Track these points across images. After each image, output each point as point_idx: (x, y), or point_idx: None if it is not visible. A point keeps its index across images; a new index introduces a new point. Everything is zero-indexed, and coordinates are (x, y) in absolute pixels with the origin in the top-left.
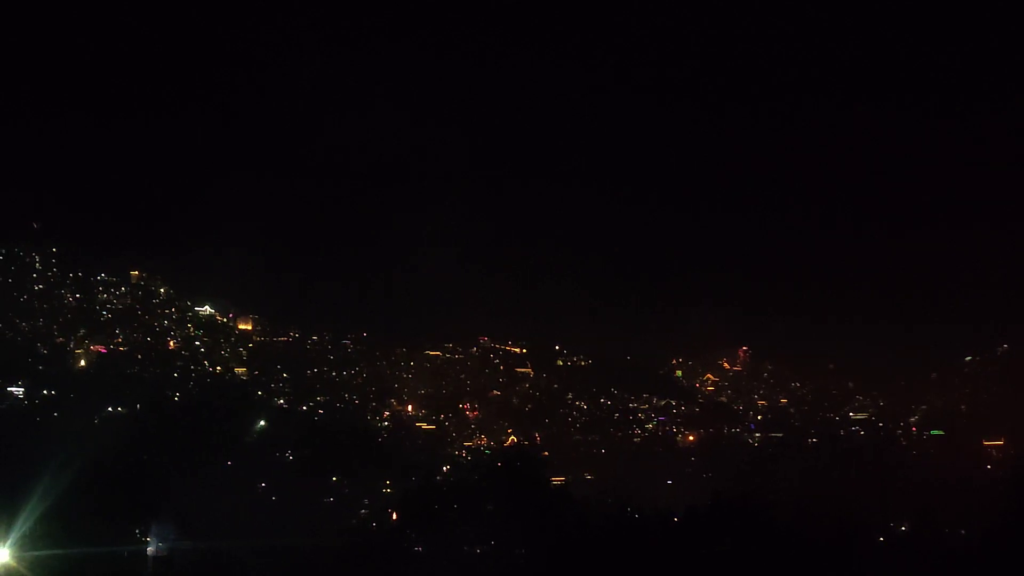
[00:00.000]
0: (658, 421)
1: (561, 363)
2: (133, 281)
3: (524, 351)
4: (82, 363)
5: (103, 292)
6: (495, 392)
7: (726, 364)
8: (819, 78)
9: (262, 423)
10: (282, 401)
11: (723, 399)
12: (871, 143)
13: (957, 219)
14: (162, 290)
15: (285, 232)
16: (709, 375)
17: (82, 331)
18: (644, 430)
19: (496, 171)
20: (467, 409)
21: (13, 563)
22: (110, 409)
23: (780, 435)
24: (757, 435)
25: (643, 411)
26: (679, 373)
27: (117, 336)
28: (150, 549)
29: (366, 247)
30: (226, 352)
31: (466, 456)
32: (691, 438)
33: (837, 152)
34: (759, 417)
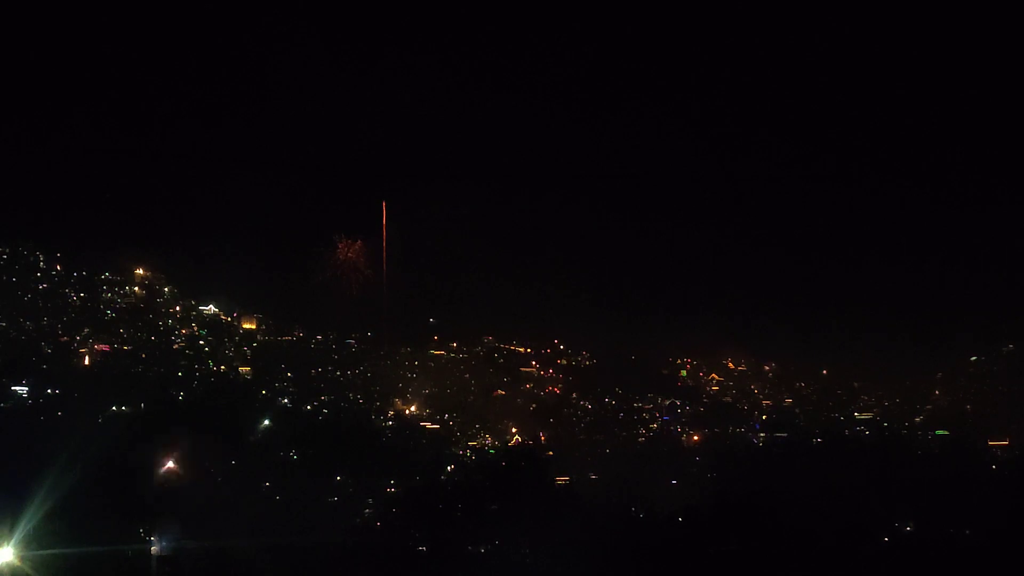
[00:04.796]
0: (662, 421)
1: (565, 362)
2: (137, 280)
3: (528, 350)
4: (86, 362)
5: (107, 291)
6: (499, 392)
7: (731, 364)
8: (820, 80)
9: (266, 422)
10: (286, 400)
11: (728, 399)
12: (873, 141)
13: (961, 217)
14: (166, 289)
15: (289, 231)
16: (714, 375)
17: (86, 330)
18: (649, 430)
19: (502, 171)
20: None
21: (17, 562)
22: (114, 408)
23: (785, 435)
24: (762, 435)
25: (647, 411)
26: (684, 373)
27: (121, 335)
28: (154, 548)
29: (371, 246)
30: (230, 351)
31: (471, 456)
32: (696, 438)
33: (840, 150)
34: (764, 417)
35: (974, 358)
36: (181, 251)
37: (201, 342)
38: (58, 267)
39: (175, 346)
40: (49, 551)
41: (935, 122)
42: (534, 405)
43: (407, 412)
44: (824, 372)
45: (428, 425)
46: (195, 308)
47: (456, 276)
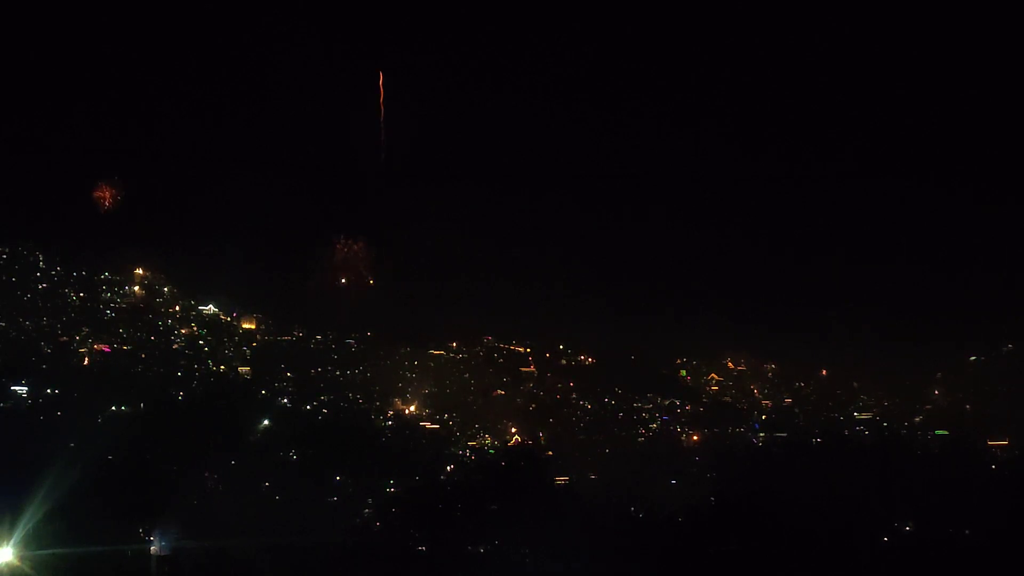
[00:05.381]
0: (662, 421)
1: (565, 362)
2: (137, 280)
3: (528, 350)
4: (85, 362)
5: (107, 291)
6: (499, 391)
7: (730, 364)
8: (820, 80)
9: (265, 422)
10: (285, 400)
11: (727, 399)
12: (873, 141)
13: (960, 217)
14: (166, 289)
15: (289, 231)
16: (713, 375)
17: (86, 330)
18: (648, 430)
19: (500, 170)
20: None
21: (17, 562)
22: (113, 408)
23: (784, 435)
24: (762, 435)
25: (647, 411)
26: (683, 373)
27: (121, 335)
28: (154, 548)
29: (370, 245)
30: (229, 351)
31: (470, 456)
32: (695, 438)
33: (840, 150)
34: (763, 417)
35: (973, 358)
36: (181, 251)
37: (201, 342)
38: (58, 267)
39: (175, 346)
40: (49, 551)
41: (934, 122)
42: (534, 405)
43: (407, 412)
44: (824, 372)
45: (428, 425)
46: (195, 308)
47: (456, 276)
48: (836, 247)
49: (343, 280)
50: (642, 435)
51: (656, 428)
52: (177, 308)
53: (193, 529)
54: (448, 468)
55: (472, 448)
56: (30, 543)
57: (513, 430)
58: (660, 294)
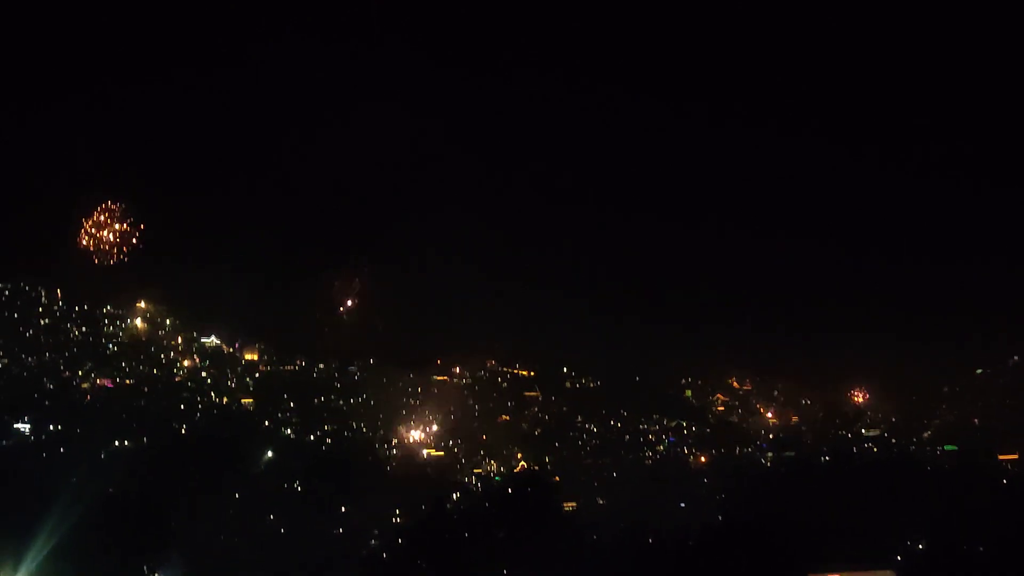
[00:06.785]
0: (669, 442)
1: (570, 385)
2: (139, 312)
3: (532, 374)
4: (88, 397)
5: (109, 325)
6: (504, 417)
7: (735, 383)
8: (826, 89)
9: (269, 454)
10: (289, 431)
11: (734, 418)
12: (876, 152)
13: (966, 232)
14: (167, 321)
15: (289, 260)
16: (719, 394)
17: (88, 365)
18: (655, 452)
19: (502, 187)
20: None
21: None
22: (117, 443)
23: (793, 454)
24: (770, 454)
25: (654, 432)
26: (689, 393)
27: (123, 369)
28: None
29: (371, 272)
30: (232, 383)
31: (476, 483)
32: (703, 459)
33: (845, 162)
34: (770, 436)
35: (980, 371)
36: (182, 283)
37: (203, 374)
38: (60, 302)
39: (177, 379)
40: None
41: (938, 134)
42: (539, 430)
43: (411, 440)
44: (830, 389)
45: (432, 452)
46: (197, 340)
47: (458, 302)
48: (841, 263)
49: (344, 308)
50: (649, 457)
51: (663, 450)
52: (179, 340)
53: (197, 565)
54: (454, 496)
55: (478, 475)
56: None
57: (519, 455)
58: (662, 314)
